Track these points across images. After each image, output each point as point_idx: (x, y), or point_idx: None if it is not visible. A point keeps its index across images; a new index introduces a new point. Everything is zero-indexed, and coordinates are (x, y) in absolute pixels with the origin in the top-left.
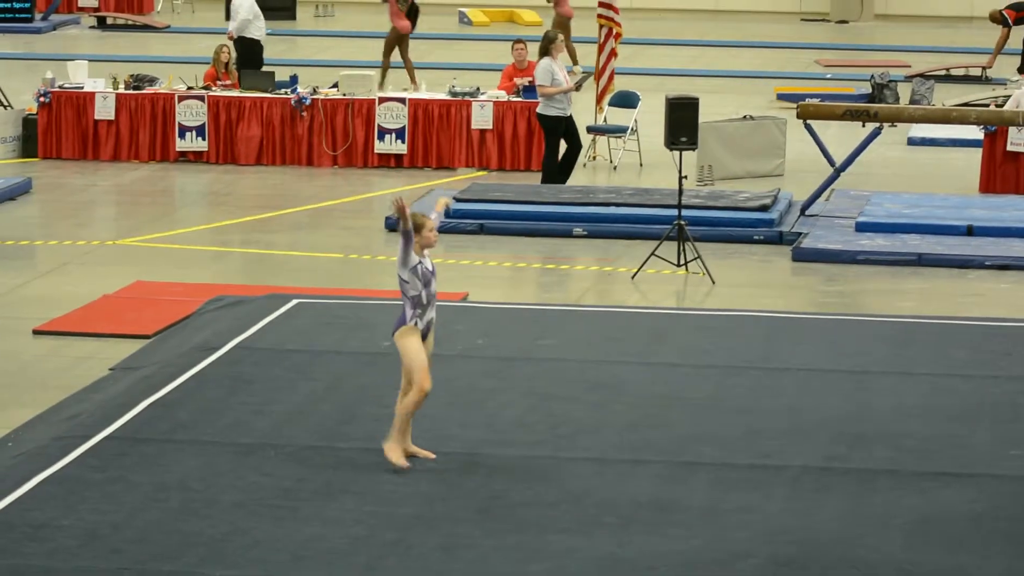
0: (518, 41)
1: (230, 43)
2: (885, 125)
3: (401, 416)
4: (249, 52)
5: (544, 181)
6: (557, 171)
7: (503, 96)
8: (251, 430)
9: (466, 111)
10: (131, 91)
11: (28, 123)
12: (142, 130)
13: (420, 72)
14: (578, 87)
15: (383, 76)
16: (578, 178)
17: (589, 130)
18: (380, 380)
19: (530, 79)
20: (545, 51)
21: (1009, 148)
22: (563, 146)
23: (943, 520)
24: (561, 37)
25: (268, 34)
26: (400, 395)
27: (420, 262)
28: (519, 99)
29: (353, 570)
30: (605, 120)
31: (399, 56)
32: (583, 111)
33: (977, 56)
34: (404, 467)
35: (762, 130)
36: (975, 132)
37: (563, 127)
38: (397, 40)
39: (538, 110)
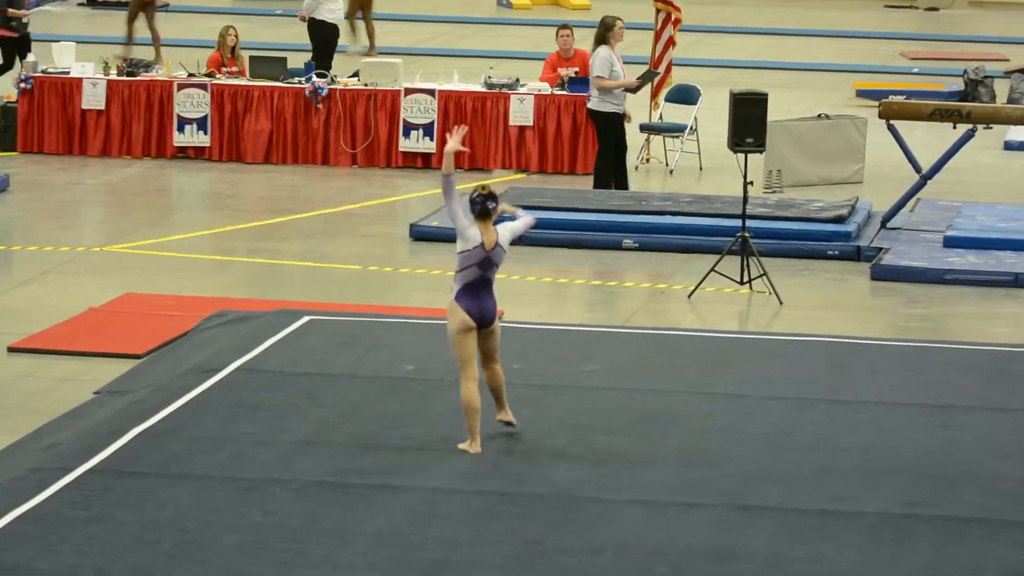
0: (564, 26)
1: (236, 27)
2: (979, 127)
3: None
4: (320, 36)
5: (597, 185)
6: (612, 176)
7: (546, 89)
8: (254, 463)
9: (503, 105)
10: (124, 77)
11: (7, 112)
12: (136, 122)
13: (453, 60)
14: (639, 85)
15: (127, 45)
16: (630, 183)
17: (643, 128)
18: (401, 408)
19: (576, 69)
20: (602, 39)
21: None
22: None
23: None
24: (620, 24)
25: (281, 15)
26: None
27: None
28: (564, 92)
29: None
30: (661, 117)
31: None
32: (635, 107)
33: None
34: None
35: (839, 131)
36: None
37: (619, 126)
38: (141, 7)
39: (590, 105)
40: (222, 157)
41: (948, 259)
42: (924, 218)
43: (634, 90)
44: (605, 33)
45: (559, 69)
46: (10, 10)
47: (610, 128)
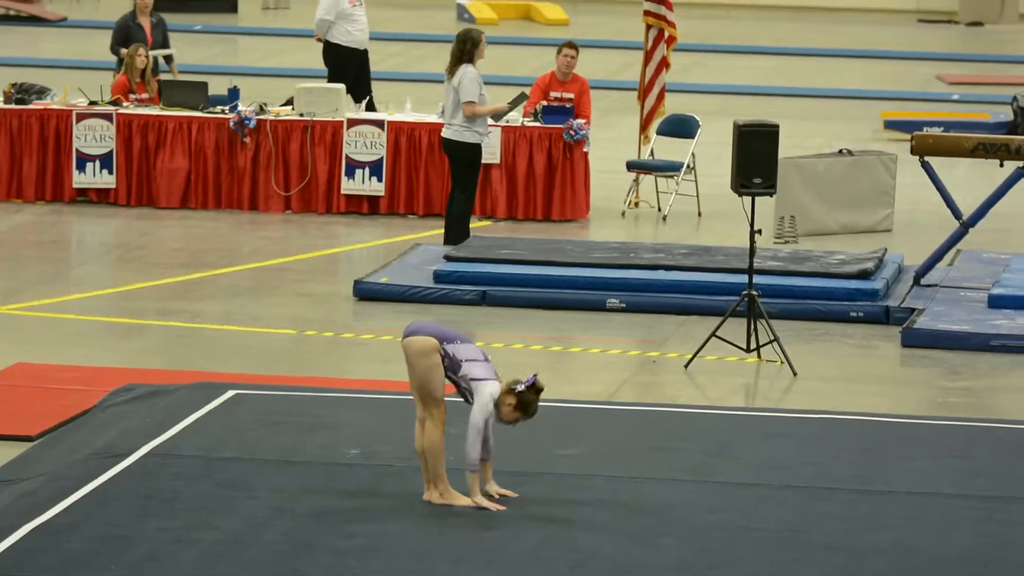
0: (570, 45)
1: (148, 49)
2: None
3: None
4: (334, 63)
5: (453, 234)
6: (467, 220)
7: (515, 120)
8: (170, 566)
9: None
10: (13, 105)
11: None
12: (27, 159)
13: (405, 86)
14: (509, 111)
15: None
16: (615, 231)
17: (630, 167)
18: (345, 500)
19: (571, 96)
20: (469, 56)
21: None
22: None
23: None
24: (484, 39)
25: (200, 31)
26: (419, 427)
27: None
28: (537, 124)
29: None
30: (652, 153)
31: None
32: (622, 141)
33: None
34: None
35: (864, 169)
36: None
37: (480, 160)
38: None
39: (449, 135)
40: (130, 201)
41: (994, 322)
42: (965, 273)
43: (500, 117)
44: (472, 49)
45: (551, 93)
46: (123, 51)
47: (475, 163)
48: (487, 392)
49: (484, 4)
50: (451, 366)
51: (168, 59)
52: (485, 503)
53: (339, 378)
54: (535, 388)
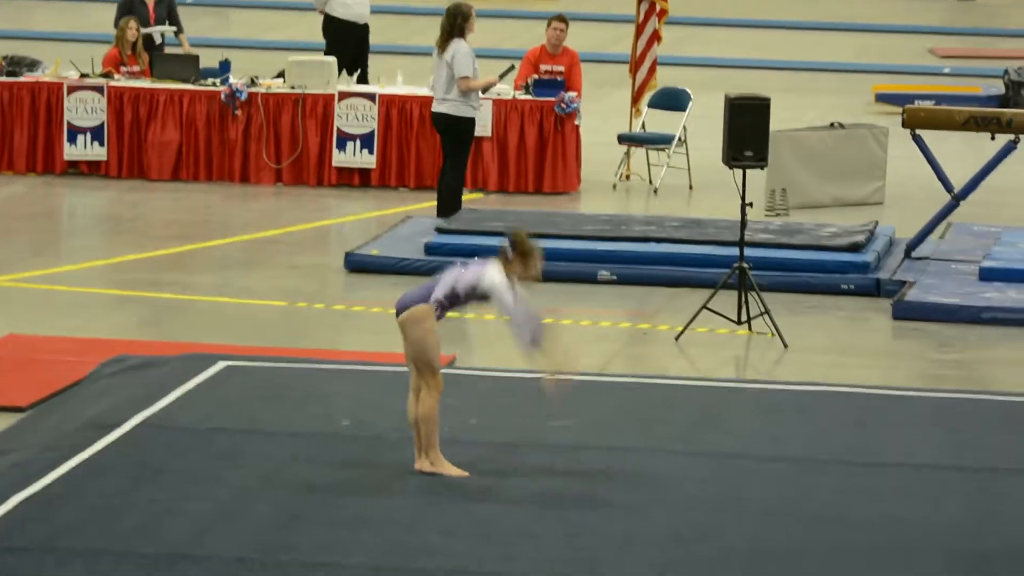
0: (559, 18)
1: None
2: (1022, 137)
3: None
4: (332, 37)
5: (446, 208)
6: (459, 193)
7: (506, 93)
8: (161, 537)
9: None
10: (4, 78)
11: None
12: (18, 131)
13: (395, 59)
14: (501, 80)
15: None
16: (606, 204)
17: (621, 140)
18: (336, 471)
19: (562, 68)
20: (461, 31)
21: None
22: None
23: None
24: (474, 14)
25: (192, 4)
26: (412, 396)
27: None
28: (528, 97)
29: None
30: (643, 127)
31: None
32: (614, 114)
33: None
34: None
35: (855, 143)
36: None
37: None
38: None
39: (443, 109)
40: (121, 173)
41: (985, 294)
42: (956, 246)
43: (488, 89)
44: (463, 24)
45: (542, 66)
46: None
47: (469, 137)
48: (495, 283)
49: None
50: (452, 302)
51: (177, 33)
52: (564, 375)
53: (330, 350)
54: (519, 234)
